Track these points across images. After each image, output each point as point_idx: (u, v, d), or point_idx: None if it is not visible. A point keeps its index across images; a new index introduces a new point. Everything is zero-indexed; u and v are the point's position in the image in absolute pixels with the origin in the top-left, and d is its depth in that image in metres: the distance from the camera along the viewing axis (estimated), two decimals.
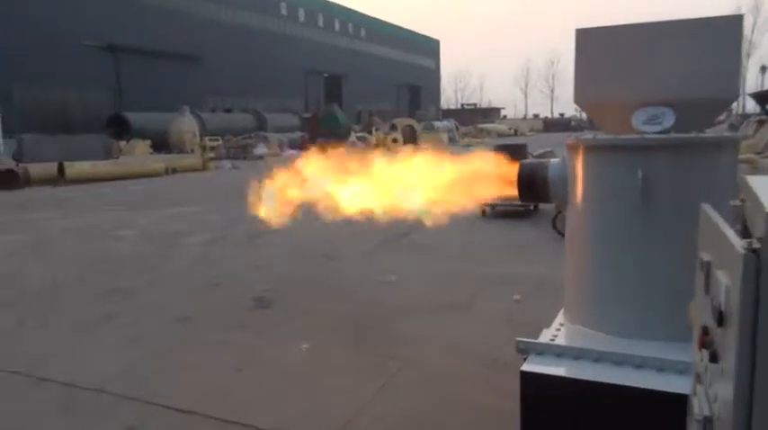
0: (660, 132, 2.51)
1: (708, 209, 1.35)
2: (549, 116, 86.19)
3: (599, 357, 2.26)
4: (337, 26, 61.24)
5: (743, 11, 47.48)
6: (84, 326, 4.91)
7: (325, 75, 56.51)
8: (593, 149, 2.48)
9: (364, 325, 4.71)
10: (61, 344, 4.49)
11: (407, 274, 6.23)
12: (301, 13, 55.37)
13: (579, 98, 2.88)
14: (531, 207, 9.57)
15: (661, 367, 2.16)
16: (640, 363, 2.19)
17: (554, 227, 7.87)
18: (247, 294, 5.58)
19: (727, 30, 2.59)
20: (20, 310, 5.36)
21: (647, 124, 2.62)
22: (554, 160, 2.76)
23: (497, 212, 9.68)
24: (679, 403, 2.00)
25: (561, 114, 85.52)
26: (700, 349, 1.24)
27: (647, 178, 2.27)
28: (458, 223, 8.51)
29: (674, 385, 2.02)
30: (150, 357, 4.19)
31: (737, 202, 1.27)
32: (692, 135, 2.36)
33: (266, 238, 8.54)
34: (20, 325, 4.99)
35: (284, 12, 53.00)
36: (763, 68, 52.52)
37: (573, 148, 2.58)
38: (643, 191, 2.27)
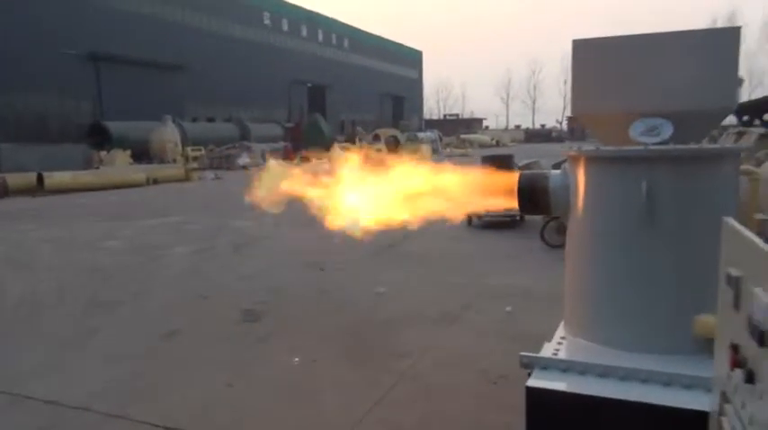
0: (658, 144, 2.51)
1: (732, 222, 1.32)
2: (531, 127, 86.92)
3: (605, 372, 2.22)
4: (321, 37, 61.30)
5: (718, 23, 48.39)
6: (67, 341, 4.79)
7: (309, 85, 56.42)
8: (595, 161, 2.45)
9: (356, 337, 4.65)
10: (43, 361, 4.36)
11: (397, 285, 6.18)
12: (284, 23, 55.35)
13: (576, 108, 2.87)
14: (518, 217, 9.57)
15: (668, 382, 2.13)
16: (646, 378, 2.16)
17: (542, 237, 7.88)
18: (236, 306, 5.48)
19: (725, 41, 2.59)
20: None
21: (645, 135, 2.61)
22: (555, 171, 2.73)
23: (483, 222, 9.68)
24: (692, 420, 1.97)
25: (542, 125, 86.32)
26: (732, 368, 1.19)
27: (651, 190, 2.24)
28: (445, 233, 8.57)
29: (684, 401, 1.99)
30: (137, 373, 4.09)
31: (763, 216, 1.24)
32: (696, 146, 2.35)
33: (253, 249, 8.45)
34: None
35: (267, 22, 52.94)
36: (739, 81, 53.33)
37: (574, 160, 2.56)
38: (647, 202, 2.25)
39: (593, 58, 2.77)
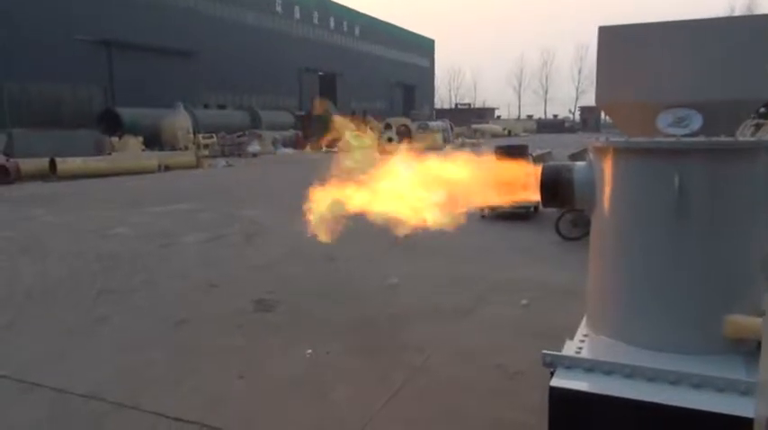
0: (687, 136, 2.41)
1: None
2: (543, 117, 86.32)
3: (632, 372, 2.13)
4: (332, 24, 61.04)
5: (736, 12, 47.68)
6: (77, 329, 4.76)
7: (320, 73, 56.25)
8: (624, 153, 2.35)
9: (370, 330, 4.60)
10: (53, 348, 4.34)
11: (411, 277, 6.12)
12: (296, 11, 55.13)
13: (601, 98, 2.77)
14: (532, 209, 9.47)
15: (699, 383, 2.04)
16: (676, 380, 2.07)
17: (557, 230, 7.78)
18: (247, 296, 5.44)
19: (757, 29, 2.48)
20: (9, 312, 5.20)
21: (673, 127, 2.51)
22: (579, 163, 2.63)
23: (496, 214, 9.57)
24: (727, 425, 1.89)
25: (555, 115, 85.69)
26: None
27: (683, 184, 2.15)
28: (458, 225, 8.43)
29: (719, 405, 1.90)
30: (146, 362, 4.05)
31: None
32: (732, 139, 2.25)
33: (265, 238, 8.41)
34: (8, 327, 4.83)
35: (279, 9, 52.73)
36: None
37: (601, 151, 2.46)
38: (679, 197, 2.16)
39: (619, 46, 2.66)
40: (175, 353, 4.21)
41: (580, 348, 2.41)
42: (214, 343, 4.40)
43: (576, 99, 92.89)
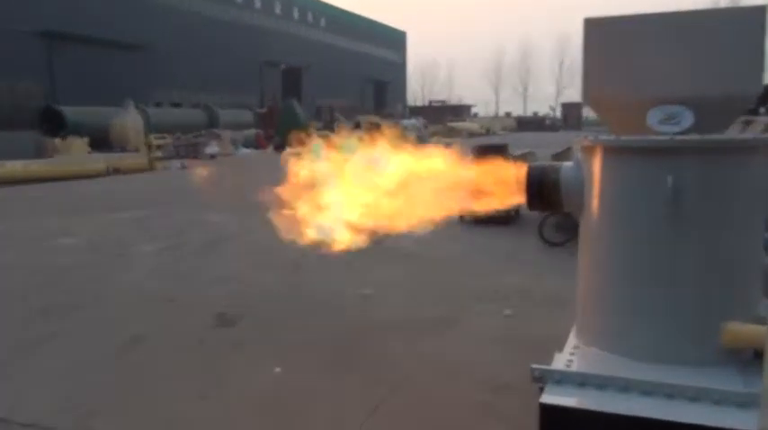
0: (679, 133, 2.46)
1: None
2: (523, 114, 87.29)
3: (626, 386, 2.16)
4: (296, 15, 60.93)
5: (721, 3, 48.81)
6: (19, 348, 4.65)
7: (283, 67, 56.05)
8: (614, 151, 2.40)
9: (343, 344, 4.58)
10: None
11: (386, 286, 6.12)
12: (257, 1, 54.90)
13: (587, 94, 2.82)
14: (513, 212, 9.54)
15: (695, 396, 2.08)
16: (672, 393, 2.11)
17: (540, 235, 7.86)
18: (208, 310, 5.38)
19: (750, 21, 2.54)
20: None
21: (664, 124, 2.56)
22: (566, 163, 2.67)
23: (476, 218, 9.62)
24: None
25: (535, 113, 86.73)
26: None
27: (677, 183, 2.19)
28: (435, 230, 8.48)
29: (718, 419, 1.94)
30: (97, 385, 3.97)
31: None
32: (727, 137, 2.30)
33: (226, 246, 8.33)
34: None
35: None
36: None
37: (589, 150, 2.50)
38: (672, 198, 2.20)
39: (606, 40, 2.71)
40: (129, 374, 4.14)
41: (570, 361, 2.44)
42: (172, 362, 4.33)
43: (558, 95, 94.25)
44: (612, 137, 2.49)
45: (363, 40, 71.67)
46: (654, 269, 2.31)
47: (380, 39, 76.45)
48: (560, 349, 2.59)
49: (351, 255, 7.16)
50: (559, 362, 2.44)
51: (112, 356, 4.47)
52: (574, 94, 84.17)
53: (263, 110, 42.64)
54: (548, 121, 73.99)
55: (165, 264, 7.41)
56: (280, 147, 31.26)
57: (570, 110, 72.19)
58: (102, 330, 5.04)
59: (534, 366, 2.30)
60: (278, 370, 4.08)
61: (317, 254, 7.27)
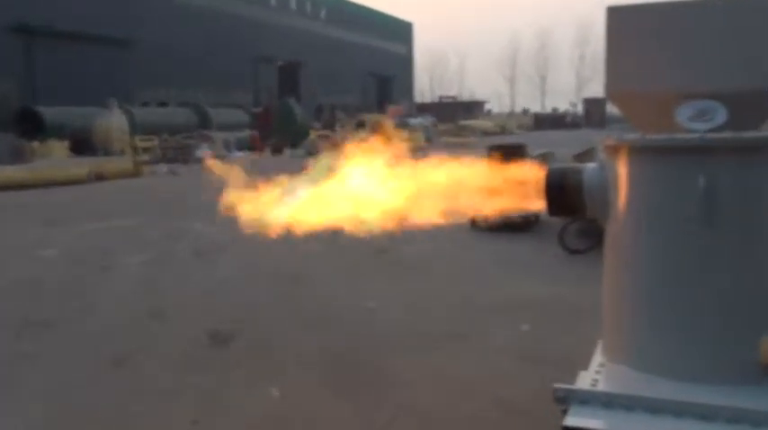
0: (711, 131, 2.46)
1: None
2: (540, 111, 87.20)
3: (656, 406, 2.16)
4: (294, 5, 61.16)
5: None
6: None
7: (279, 63, 56.22)
8: (640, 152, 2.40)
9: (345, 363, 4.58)
10: None
11: (392, 299, 6.12)
12: None
13: (610, 89, 2.82)
14: (531, 218, 9.54)
15: (734, 418, 2.08)
16: (707, 414, 2.11)
17: (561, 242, 7.86)
18: (200, 326, 5.39)
19: None
20: None
21: (694, 121, 2.56)
22: (589, 165, 2.68)
23: (491, 224, 9.62)
24: None
25: (554, 109, 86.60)
26: None
27: (710, 187, 2.19)
28: (446, 237, 8.52)
29: None
30: (81, 408, 3.97)
31: None
32: (765, 134, 2.30)
33: (218, 257, 8.35)
34: None
35: None
36: None
37: (614, 150, 2.51)
38: (705, 202, 2.20)
39: (631, 29, 2.71)
40: (116, 396, 4.14)
41: (596, 380, 2.44)
42: (162, 383, 4.34)
43: (579, 89, 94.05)
44: (638, 135, 2.49)
45: (367, 33, 71.79)
46: (686, 279, 2.31)
47: (385, 30, 76.58)
48: (585, 367, 2.59)
49: (353, 266, 7.25)
50: (584, 381, 2.45)
51: (97, 376, 4.47)
52: (597, 87, 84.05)
53: (259, 109, 42.77)
54: (568, 119, 73.81)
55: (153, 277, 7.42)
56: (277, 150, 31.38)
57: (593, 106, 71.92)
58: (86, 348, 5.05)
59: (557, 386, 2.31)
60: (275, 392, 4.08)
61: (317, 264, 7.34)
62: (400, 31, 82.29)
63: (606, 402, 2.23)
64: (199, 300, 6.38)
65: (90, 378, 4.46)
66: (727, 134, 2.32)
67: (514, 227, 9.32)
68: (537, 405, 3.41)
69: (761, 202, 2.25)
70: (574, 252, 7.73)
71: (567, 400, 2.28)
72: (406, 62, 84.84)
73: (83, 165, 21.42)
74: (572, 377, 2.52)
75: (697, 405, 2.13)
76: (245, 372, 4.46)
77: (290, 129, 34.55)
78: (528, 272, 7.17)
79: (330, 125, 40.56)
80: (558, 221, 7.88)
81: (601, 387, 2.35)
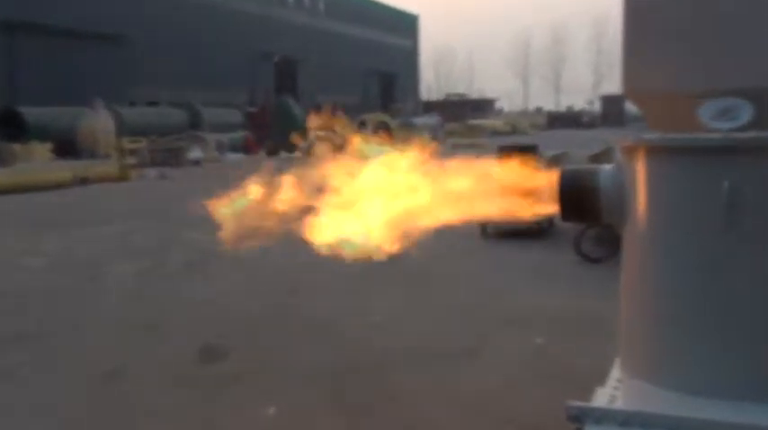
0: (735, 130, 2.46)
1: None
2: (554, 109, 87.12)
3: (679, 425, 2.16)
4: None
5: None
6: None
7: (276, 59, 56.29)
8: (660, 153, 2.40)
9: (347, 380, 4.59)
10: None
11: (398, 312, 6.15)
12: None
13: (628, 85, 2.81)
14: (545, 224, 9.54)
15: None
16: None
17: (577, 249, 7.86)
18: (195, 340, 5.42)
19: None
20: None
21: (718, 120, 2.56)
22: (605, 166, 2.67)
23: (501, 230, 9.64)
24: None
25: (569, 107, 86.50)
26: None
27: (734, 189, 2.19)
28: (453, 244, 8.51)
29: None
30: (69, 424, 4.01)
31: None
32: None
33: (213, 267, 8.36)
34: None
35: None
36: None
37: (631, 151, 2.50)
38: (729, 206, 2.20)
39: (650, 20, 2.71)
40: (104, 414, 4.16)
41: (613, 397, 2.44)
42: (152, 400, 4.36)
43: (596, 86, 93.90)
44: (657, 135, 2.49)
45: (369, 26, 71.74)
46: (710, 289, 2.30)
47: (389, 24, 76.48)
48: (602, 383, 2.59)
49: (356, 276, 7.25)
50: (601, 398, 2.44)
51: (85, 394, 4.49)
52: (614, 85, 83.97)
53: (254, 109, 42.80)
54: (584, 118, 73.65)
55: (145, 288, 7.46)
56: (273, 152, 31.39)
57: (611, 104, 71.77)
58: (75, 362, 5.08)
59: (570, 403, 2.30)
60: (272, 410, 4.09)
61: (317, 274, 7.34)
62: (405, 24, 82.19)
63: (624, 421, 2.22)
64: (192, 312, 6.41)
65: (76, 395, 4.48)
66: (753, 134, 2.32)
67: (527, 233, 9.32)
68: (550, 423, 3.41)
69: None
70: (591, 260, 7.72)
71: (580, 419, 2.27)
72: (412, 58, 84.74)
73: (66, 169, 21.49)
74: (587, 394, 2.52)
75: (724, 424, 2.12)
76: (239, 390, 4.47)
77: (287, 130, 34.53)
78: (542, 281, 7.19)
79: (330, 125, 40.53)
80: (573, 227, 7.88)
81: (618, 404, 2.35)
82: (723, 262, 2.27)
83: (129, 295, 7.17)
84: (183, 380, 4.68)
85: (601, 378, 2.67)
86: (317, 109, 50.29)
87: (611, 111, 68.44)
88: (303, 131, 34.29)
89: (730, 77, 2.51)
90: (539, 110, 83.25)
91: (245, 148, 33.41)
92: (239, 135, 35.13)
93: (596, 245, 7.77)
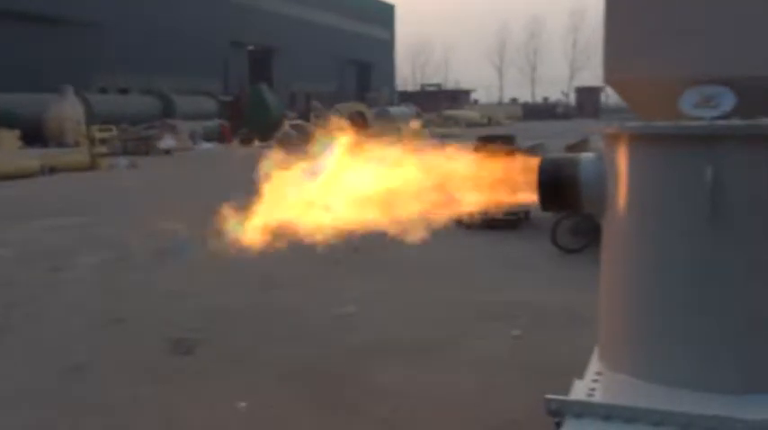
0: (718, 118, 2.43)
1: None
2: (530, 101, 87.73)
3: (661, 419, 2.13)
4: None
5: None
6: None
7: (251, 48, 56.02)
8: (642, 140, 2.36)
9: (320, 374, 4.56)
10: None
11: (371, 304, 6.12)
12: None
13: (610, 74, 2.78)
14: (521, 214, 9.56)
15: None
16: (717, 427, 2.07)
17: (553, 240, 7.87)
18: (163, 333, 5.35)
19: None
20: None
21: (700, 108, 2.53)
22: (586, 155, 2.63)
23: (479, 221, 9.61)
24: None
25: (545, 98, 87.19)
26: None
27: (718, 179, 2.16)
28: (431, 235, 8.46)
29: None
30: (32, 423, 3.93)
31: None
32: None
33: (183, 259, 8.27)
34: None
35: None
36: None
37: (613, 139, 2.47)
38: (712, 196, 2.17)
39: (632, 7, 2.68)
40: (67, 411, 4.09)
41: (593, 390, 2.40)
42: (117, 396, 4.29)
43: (571, 78, 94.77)
44: (640, 123, 2.46)
45: (345, 16, 71.65)
46: (691, 280, 2.28)
47: (365, 14, 76.48)
48: (580, 375, 2.56)
49: (330, 268, 7.20)
50: (580, 391, 2.41)
51: (48, 389, 4.42)
52: (589, 76, 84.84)
53: (229, 97, 42.63)
54: (559, 109, 74.31)
55: (110, 280, 7.38)
56: (247, 141, 31.25)
57: (586, 95, 72.59)
58: (37, 359, 5.00)
59: (550, 397, 2.26)
60: (243, 405, 4.05)
61: (290, 266, 7.28)
62: (381, 14, 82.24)
63: (605, 415, 2.19)
64: (160, 305, 6.32)
65: (39, 391, 4.40)
66: (738, 122, 2.29)
67: (504, 224, 9.32)
68: (529, 417, 3.40)
69: None
70: (567, 250, 7.75)
71: (560, 413, 2.24)
72: (388, 48, 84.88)
73: (34, 158, 21.26)
74: (566, 387, 2.48)
75: (705, 417, 2.08)
76: (210, 384, 4.43)
77: (261, 119, 34.39)
78: (519, 272, 7.21)
79: (305, 114, 40.47)
80: (549, 218, 7.90)
81: (598, 397, 2.31)
82: (706, 252, 2.24)
83: (95, 287, 7.08)
84: (151, 374, 4.62)
85: (578, 369, 2.64)
86: (293, 98, 50.40)
87: (586, 103, 69.19)
88: (278, 120, 34.25)
89: (713, 65, 2.48)
90: (514, 101, 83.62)
91: (220, 137, 33.23)
92: (214, 124, 34.97)
93: (572, 235, 7.80)
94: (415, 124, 32.04)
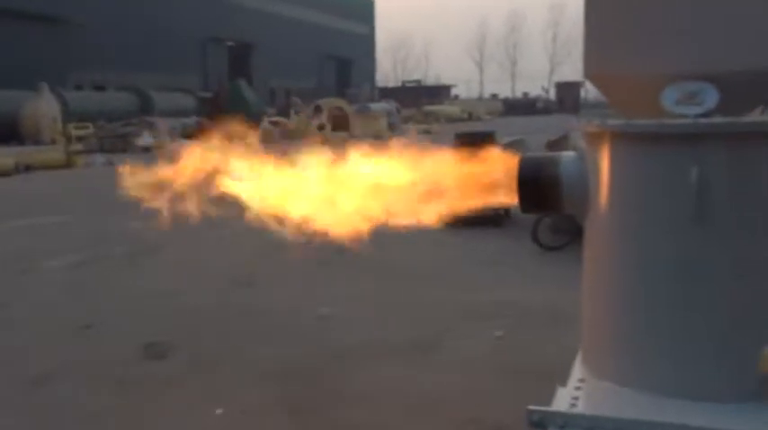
0: (701, 115, 2.38)
1: None
2: (511, 96, 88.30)
3: None
4: None
5: None
6: None
7: (230, 44, 55.87)
8: (624, 139, 2.30)
9: (299, 378, 4.50)
10: None
11: (351, 304, 6.07)
12: None
13: (590, 70, 2.72)
14: (502, 212, 9.53)
15: None
16: None
17: (534, 238, 7.86)
18: (134, 339, 5.26)
19: None
20: None
21: (682, 104, 2.47)
22: (567, 154, 2.56)
23: (460, 219, 9.57)
24: None
25: (525, 94, 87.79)
26: None
27: (702, 177, 2.10)
28: (410, 234, 8.40)
29: None
30: None
31: None
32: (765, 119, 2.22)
33: (155, 259, 8.20)
34: None
35: None
36: None
37: (595, 138, 2.40)
38: (697, 195, 2.10)
39: (613, 2, 2.62)
40: (34, 421, 4.03)
41: (576, 399, 2.33)
42: (87, 404, 4.21)
43: (551, 73, 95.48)
44: (622, 121, 2.39)
45: (324, 11, 71.74)
46: (676, 283, 2.22)
47: (345, 9, 76.68)
48: (563, 380, 2.48)
49: (309, 267, 7.13)
50: (563, 400, 2.34)
51: (14, 398, 4.35)
52: (569, 71, 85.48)
53: (208, 94, 42.57)
54: (539, 104, 74.91)
55: (81, 282, 7.30)
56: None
57: (566, 90, 73.13)
58: (3, 365, 4.92)
59: (531, 408, 2.19)
60: (219, 412, 3.99)
61: (268, 265, 7.22)
62: (361, 9, 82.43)
63: (589, 426, 2.12)
64: (133, 308, 6.24)
65: (8, 398, 4.34)
66: (723, 119, 2.23)
67: (484, 222, 9.29)
68: (509, 421, 3.35)
69: (761, 195, 2.15)
70: (549, 248, 7.74)
71: (543, 424, 2.16)
72: (368, 44, 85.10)
73: (8, 156, 21.15)
74: (550, 390, 2.41)
75: (694, 427, 2.03)
76: (184, 391, 4.36)
77: (242, 115, 34.29)
78: (500, 271, 7.19)
79: (285, 110, 40.43)
80: (530, 215, 7.87)
81: (581, 408, 2.24)
82: (691, 253, 2.19)
83: (66, 290, 7.01)
84: (122, 382, 4.54)
85: (561, 370, 2.57)
86: (272, 94, 50.38)
87: (567, 98, 69.68)
88: (257, 116, 34.17)
89: (695, 61, 2.43)
90: (494, 96, 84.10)
91: (198, 134, 33.07)
92: (192, 120, 34.90)
93: (553, 233, 7.80)
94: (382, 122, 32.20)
